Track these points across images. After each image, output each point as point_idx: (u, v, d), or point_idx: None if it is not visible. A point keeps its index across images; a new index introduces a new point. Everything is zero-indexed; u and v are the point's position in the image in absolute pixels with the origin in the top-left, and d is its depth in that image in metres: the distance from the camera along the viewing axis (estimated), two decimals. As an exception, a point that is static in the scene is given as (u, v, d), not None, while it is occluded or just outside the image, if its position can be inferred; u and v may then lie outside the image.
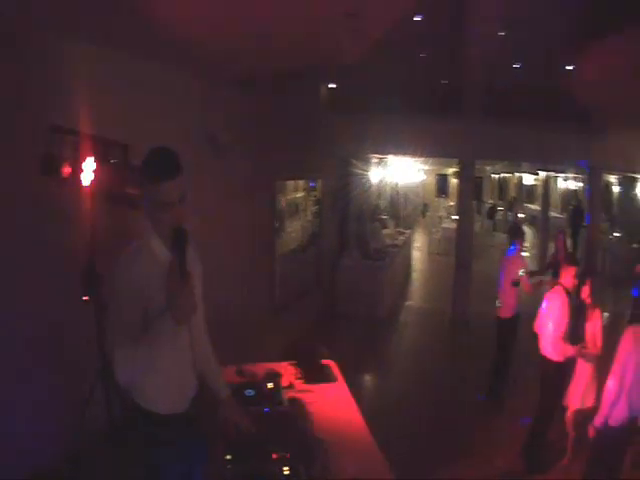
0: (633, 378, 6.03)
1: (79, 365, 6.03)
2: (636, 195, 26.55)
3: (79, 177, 5.37)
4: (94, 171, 5.41)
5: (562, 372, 8.06)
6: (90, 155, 5.40)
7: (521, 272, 10.02)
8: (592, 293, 7.90)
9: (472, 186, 17.11)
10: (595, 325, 7.86)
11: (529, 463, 8.20)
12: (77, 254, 5.62)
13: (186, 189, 3.56)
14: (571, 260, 8.45)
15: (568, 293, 8.01)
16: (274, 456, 4.26)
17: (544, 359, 8.09)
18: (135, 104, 6.88)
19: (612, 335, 7.33)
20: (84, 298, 5.48)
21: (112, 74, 6.64)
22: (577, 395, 8.06)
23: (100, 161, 5.49)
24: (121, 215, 5.83)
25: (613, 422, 6.14)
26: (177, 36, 6.36)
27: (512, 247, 10.28)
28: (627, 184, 27.56)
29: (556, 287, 8.23)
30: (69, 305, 5.78)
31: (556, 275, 9.41)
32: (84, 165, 5.37)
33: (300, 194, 15.43)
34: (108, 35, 6.21)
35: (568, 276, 8.07)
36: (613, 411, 6.13)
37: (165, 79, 7.66)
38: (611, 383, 6.12)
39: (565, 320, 7.89)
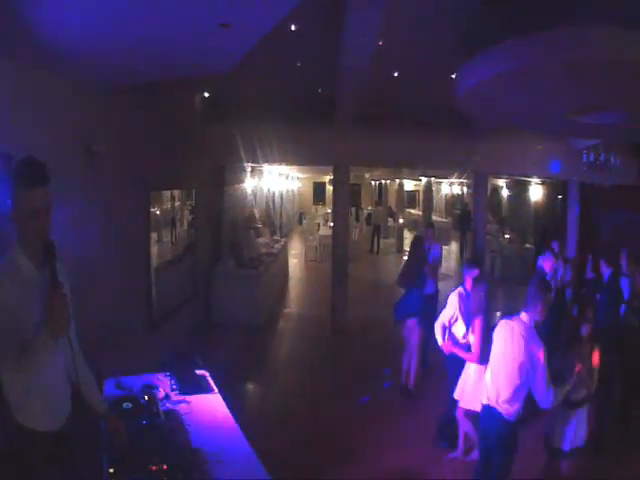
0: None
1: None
2: (525, 198, 27.39)
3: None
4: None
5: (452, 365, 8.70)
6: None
7: None
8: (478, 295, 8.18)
9: (348, 192, 17.29)
10: (475, 330, 8.11)
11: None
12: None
13: (52, 198, 3.59)
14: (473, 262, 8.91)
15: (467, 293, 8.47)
16: (153, 468, 4.28)
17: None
18: (14, 113, 6.75)
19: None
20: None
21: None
22: (463, 394, 8.38)
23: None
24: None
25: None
26: (55, 44, 6.28)
27: None
28: (516, 187, 28.43)
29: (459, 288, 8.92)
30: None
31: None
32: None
33: (176, 204, 15.35)
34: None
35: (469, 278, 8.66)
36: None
37: (41, 87, 7.53)
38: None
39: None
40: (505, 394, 6.24)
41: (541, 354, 6.02)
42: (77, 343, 4.14)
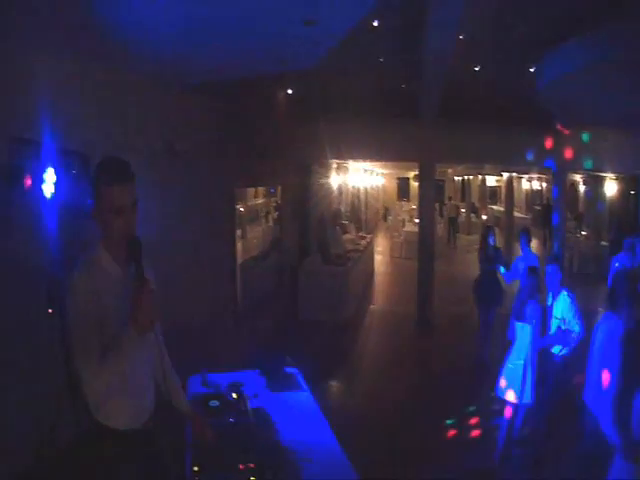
0: None
1: (43, 381, 5.96)
2: (600, 193, 26.86)
3: (41, 188, 5.33)
4: (55, 182, 5.37)
5: None
6: (51, 167, 5.36)
7: None
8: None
9: (433, 189, 17.17)
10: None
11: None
12: (40, 266, 5.56)
13: (137, 196, 3.58)
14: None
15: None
16: (240, 467, 4.24)
17: None
18: (95, 114, 6.82)
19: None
20: (49, 311, 5.41)
21: (73, 85, 6.59)
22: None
23: (61, 172, 5.46)
24: (82, 226, 5.78)
25: None
26: (135, 44, 6.31)
27: None
28: (593, 183, 27.89)
29: None
30: (34, 319, 5.71)
31: None
32: (45, 176, 5.33)
33: (260, 200, 15.40)
34: (68, 45, 6.16)
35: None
36: None
37: (124, 88, 7.60)
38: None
39: None
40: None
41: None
42: (162, 340, 4.12)
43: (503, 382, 8.25)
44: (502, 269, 11.44)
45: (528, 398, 7.91)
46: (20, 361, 6.08)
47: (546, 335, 8.21)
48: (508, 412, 8.32)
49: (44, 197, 5.35)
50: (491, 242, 12.18)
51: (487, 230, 12.56)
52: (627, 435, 5.28)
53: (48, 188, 5.33)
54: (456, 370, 11.99)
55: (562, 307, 8.17)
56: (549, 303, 8.39)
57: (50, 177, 5.33)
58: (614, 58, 8.04)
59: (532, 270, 8.37)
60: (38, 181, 5.30)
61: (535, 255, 11.22)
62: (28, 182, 5.26)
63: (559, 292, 8.21)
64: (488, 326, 12.00)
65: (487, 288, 11.81)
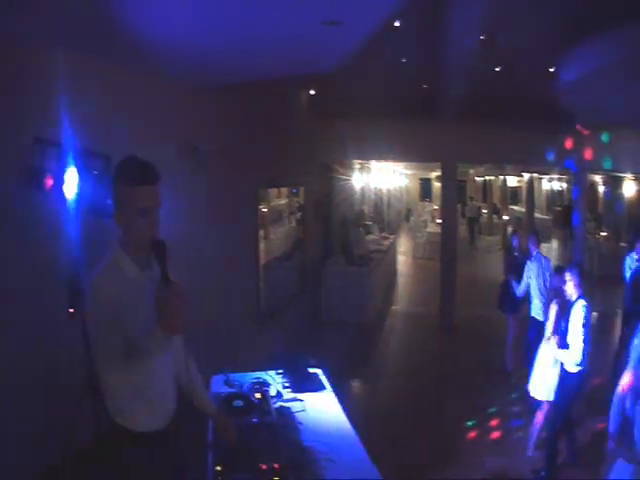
0: None
1: (63, 382, 5.97)
2: (619, 194, 26.70)
3: (62, 189, 5.33)
4: (76, 183, 5.38)
5: None
6: (72, 167, 5.37)
7: None
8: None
9: (455, 189, 17.16)
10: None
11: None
12: (61, 267, 5.56)
13: (161, 197, 3.57)
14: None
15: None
16: (263, 467, 4.22)
17: None
18: (116, 115, 6.83)
19: (602, 333, 7.34)
20: (70, 311, 5.40)
21: (93, 86, 6.60)
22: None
23: (82, 173, 5.46)
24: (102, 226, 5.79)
25: None
26: (158, 45, 6.32)
27: None
28: (612, 184, 27.75)
29: None
30: (55, 319, 5.71)
31: None
32: (66, 177, 5.34)
33: (283, 201, 15.40)
34: (90, 46, 6.17)
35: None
36: None
37: (146, 89, 7.62)
38: None
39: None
40: None
41: None
42: (184, 341, 4.11)
43: (535, 380, 8.32)
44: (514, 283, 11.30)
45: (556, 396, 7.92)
46: (41, 361, 6.11)
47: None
48: (540, 410, 8.34)
49: (65, 198, 5.36)
50: (515, 246, 12.07)
51: (511, 236, 12.32)
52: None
53: (69, 189, 5.34)
54: (479, 372, 11.95)
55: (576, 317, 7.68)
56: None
57: (71, 178, 5.34)
58: (634, 58, 7.99)
59: (559, 269, 8.35)
60: (59, 182, 5.31)
61: (546, 258, 11.12)
62: (49, 183, 5.27)
63: (577, 299, 7.99)
64: (515, 333, 11.89)
65: (511, 297, 11.63)
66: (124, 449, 3.69)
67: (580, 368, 7.35)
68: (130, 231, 3.58)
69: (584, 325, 7.39)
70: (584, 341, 7.37)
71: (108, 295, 3.43)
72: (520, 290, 11.03)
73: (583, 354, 7.31)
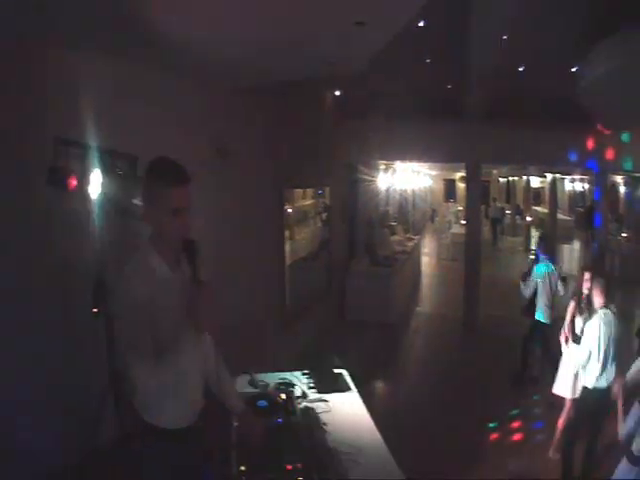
0: None
1: (87, 380, 6.00)
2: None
3: (86, 189, 5.35)
4: (101, 183, 5.40)
5: None
6: (97, 167, 5.39)
7: None
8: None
9: (480, 190, 17.11)
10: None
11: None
12: (86, 266, 5.59)
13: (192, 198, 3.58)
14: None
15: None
16: (288, 467, 4.21)
17: None
18: (141, 115, 6.86)
19: (622, 334, 7.18)
20: (94, 310, 5.43)
21: (118, 86, 6.63)
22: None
23: (107, 173, 5.48)
24: (128, 227, 5.81)
25: None
26: (181, 45, 6.34)
27: None
28: (634, 184, 27.58)
29: None
30: (80, 318, 5.74)
31: None
32: (91, 177, 5.36)
33: (308, 201, 15.42)
34: (114, 47, 6.20)
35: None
36: None
37: (171, 89, 7.64)
38: None
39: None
40: None
41: None
42: (210, 340, 4.11)
43: (563, 379, 8.33)
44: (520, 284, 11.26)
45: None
46: (65, 361, 6.14)
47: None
48: (566, 408, 8.32)
49: (89, 198, 5.37)
50: (539, 254, 11.93)
51: (538, 242, 12.10)
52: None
53: (94, 189, 5.35)
54: (502, 374, 11.89)
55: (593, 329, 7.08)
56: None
57: (96, 178, 5.36)
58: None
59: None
60: (84, 182, 5.32)
61: (554, 262, 11.09)
62: (73, 183, 5.28)
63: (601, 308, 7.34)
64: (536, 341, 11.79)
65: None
66: (150, 446, 3.72)
67: (599, 385, 7.01)
68: (162, 231, 3.60)
69: (606, 339, 6.90)
70: (605, 357, 6.91)
71: (139, 294, 3.43)
72: (525, 292, 11.09)
73: (603, 369, 6.91)
